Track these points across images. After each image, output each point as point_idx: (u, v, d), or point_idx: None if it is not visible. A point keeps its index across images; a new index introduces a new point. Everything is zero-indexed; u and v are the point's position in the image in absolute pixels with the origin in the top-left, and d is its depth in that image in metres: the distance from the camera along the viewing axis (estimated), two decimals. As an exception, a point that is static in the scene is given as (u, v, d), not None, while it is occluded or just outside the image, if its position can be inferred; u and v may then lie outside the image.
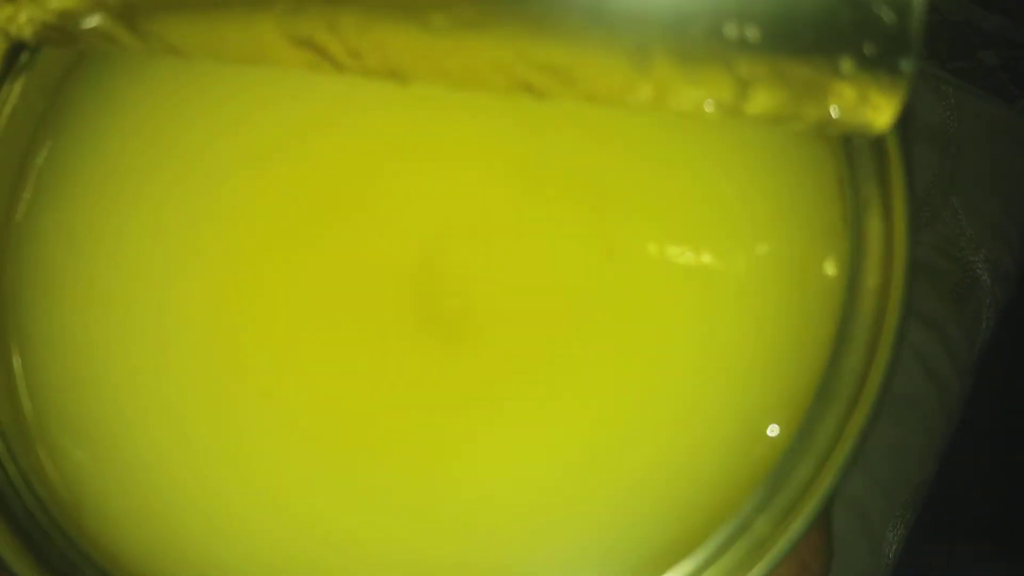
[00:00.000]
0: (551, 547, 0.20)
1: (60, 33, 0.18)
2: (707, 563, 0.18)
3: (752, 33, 0.15)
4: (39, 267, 0.21)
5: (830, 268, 0.19)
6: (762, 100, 0.16)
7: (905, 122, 0.16)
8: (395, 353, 0.20)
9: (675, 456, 0.20)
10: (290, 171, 0.21)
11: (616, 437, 0.20)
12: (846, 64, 0.15)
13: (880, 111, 0.16)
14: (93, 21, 0.17)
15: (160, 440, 0.20)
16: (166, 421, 0.20)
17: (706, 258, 0.20)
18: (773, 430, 0.19)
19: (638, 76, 0.16)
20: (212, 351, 0.20)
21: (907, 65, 0.15)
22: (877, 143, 0.18)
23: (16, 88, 0.20)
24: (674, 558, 0.18)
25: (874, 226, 0.18)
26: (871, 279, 0.18)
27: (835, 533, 0.40)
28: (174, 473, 0.20)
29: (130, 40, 0.18)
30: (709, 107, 0.17)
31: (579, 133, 0.21)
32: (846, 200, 0.19)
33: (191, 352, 0.20)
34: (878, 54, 0.15)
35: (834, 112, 0.16)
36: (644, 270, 0.20)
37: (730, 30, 0.15)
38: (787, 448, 0.18)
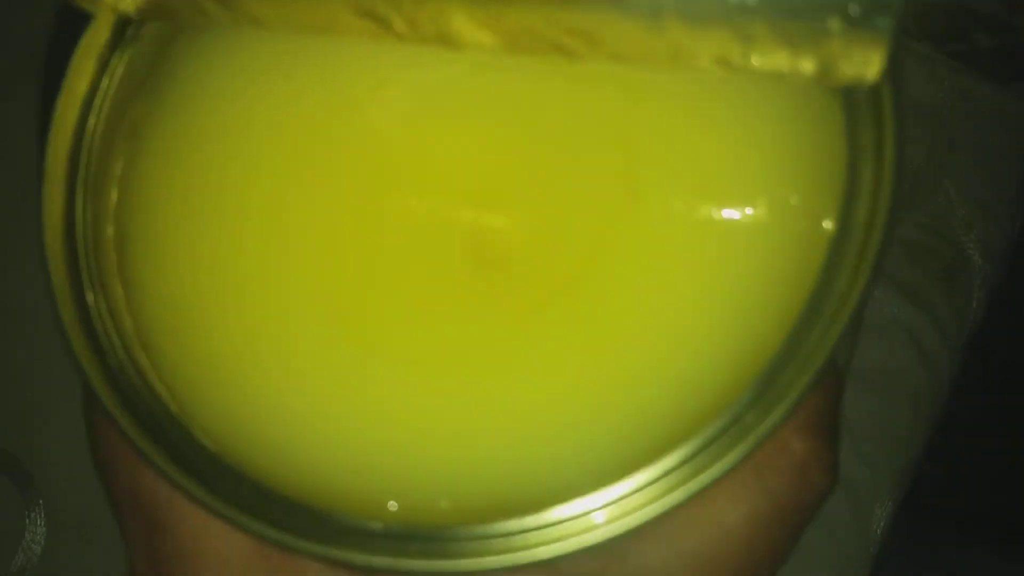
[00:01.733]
0: (572, 438, 0.23)
1: (159, 8, 0.22)
2: (704, 446, 0.21)
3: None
4: (146, 218, 0.24)
5: (829, 216, 0.22)
6: (764, 56, 0.18)
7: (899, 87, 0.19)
8: (453, 281, 0.24)
9: (679, 362, 0.23)
10: (359, 130, 0.24)
11: (631, 350, 0.23)
12: (834, 23, 0.17)
13: (869, 64, 0.18)
14: None
15: (264, 352, 0.23)
16: (271, 337, 0.24)
17: (725, 201, 0.23)
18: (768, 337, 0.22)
19: (654, 37, 0.19)
20: (307, 282, 0.24)
21: (886, 22, 0.17)
22: (875, 96, 0.20)
23: (124, 58, 0.23)
24: (677, 443, 0.21)
25: (867, 171, 0.21)
26: (860, 214, 0.21)
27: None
28: (276, 381, 0.23)
29: (220, 12, 0.22)
30: (720, 63, 0.19)
31: (610, 90, 0.23)
32: (847, 148, 0.21)
33: (292, 283, 0.24)
34: (862, 13, 0.17)
35: (827, 66, 0.18)
36: (665, 212, 0.23)
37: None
38: (776, 355, 0.21)
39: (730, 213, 0.23)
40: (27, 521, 0.39)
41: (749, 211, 0.23)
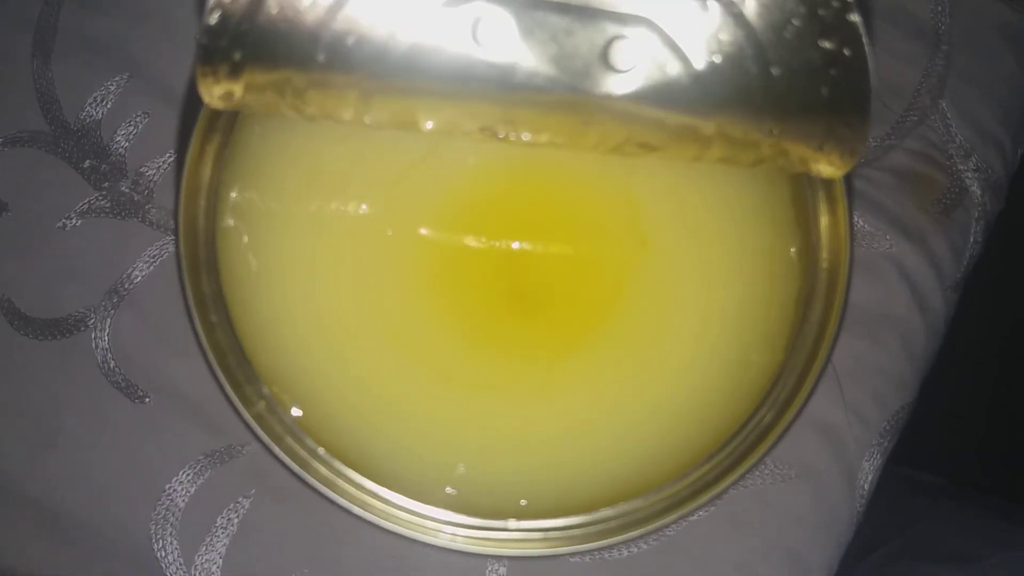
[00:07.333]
0: (605, 448, 0.29)
1: (242, 105, 0.28)
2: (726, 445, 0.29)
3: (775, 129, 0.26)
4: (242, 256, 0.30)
5: (793, 253, 0.30)
6: (775, 164, 0.28)
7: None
8: (494, 318, 0.30)
9: (690, 381, 0.30)
10: (419, 192, 0.30)
11: (650, 374, 0.30)
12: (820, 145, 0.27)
13: (835, 170, 0.28)
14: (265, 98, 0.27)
15: (368, 379, 0.29)
16: (374, 368, 0.30)
17: (709, 247, 0.30)
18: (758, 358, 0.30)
19: (701, 147, 0.27)
20: (392, 324, 0.30)
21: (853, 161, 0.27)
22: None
23: (217, 135, 0.30)
24: (694, 447, 0.29)
25: (824, 223, 0.30)
26: (824, 259, 0.30)
27: (807, 462, 0.36)
28: (376, 403, 0.29)
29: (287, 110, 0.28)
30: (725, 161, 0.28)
31: (613, 162, 0.29)
32: (799, 209, 0.30)
33: (382, 324, 0.30)
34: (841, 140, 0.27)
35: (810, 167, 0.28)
36: (668, 257, 0.30)
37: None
38: (773, 371, 0.29)
39: (713, 254, 0.30)
40: None
41: (727, 252, 0.30)
